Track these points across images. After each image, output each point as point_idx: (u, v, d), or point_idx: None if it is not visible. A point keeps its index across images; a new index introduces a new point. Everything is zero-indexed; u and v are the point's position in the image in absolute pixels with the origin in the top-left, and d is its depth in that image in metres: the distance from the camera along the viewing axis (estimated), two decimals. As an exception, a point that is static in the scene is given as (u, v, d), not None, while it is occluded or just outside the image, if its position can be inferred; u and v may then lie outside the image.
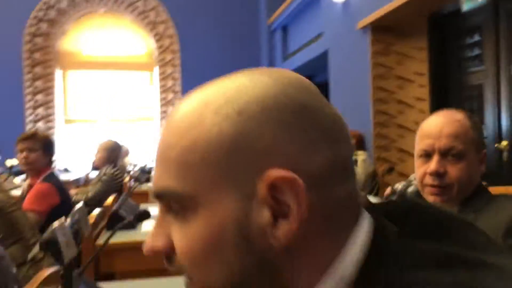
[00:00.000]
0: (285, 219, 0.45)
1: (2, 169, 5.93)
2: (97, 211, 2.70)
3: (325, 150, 0.47)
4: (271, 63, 9.34)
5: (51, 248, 1.02)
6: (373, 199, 3.53)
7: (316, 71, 8.34)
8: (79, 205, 1.43)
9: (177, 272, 0.49)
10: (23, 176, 5.28)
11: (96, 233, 2.44)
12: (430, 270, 0.42)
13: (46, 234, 1.05)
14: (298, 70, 8.32)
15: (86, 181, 6.32)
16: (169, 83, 9.30)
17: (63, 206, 2.87)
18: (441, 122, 1.30)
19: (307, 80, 0.52)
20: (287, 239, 0.44)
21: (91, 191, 4.06)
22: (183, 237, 0.47)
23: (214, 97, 0.48)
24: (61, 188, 3.03)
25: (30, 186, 3.02)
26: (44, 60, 8.79)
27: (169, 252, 0.49)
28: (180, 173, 0.47)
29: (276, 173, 0.44)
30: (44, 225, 2.72)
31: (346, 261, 0.46)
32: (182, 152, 0.47)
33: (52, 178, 2.98)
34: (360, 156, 4.89)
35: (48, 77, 8.84)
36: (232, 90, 0.48)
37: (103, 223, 2.71)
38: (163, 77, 9.28)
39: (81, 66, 9.18)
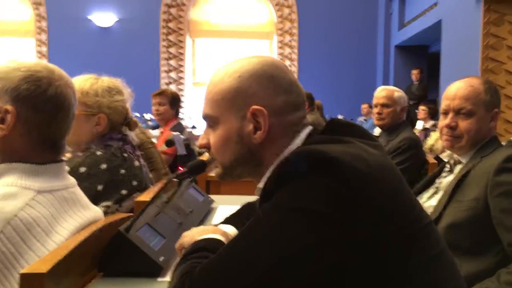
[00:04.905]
0: (259, 130, 0.92)
1: (141, 122, 7.05)
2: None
3: (282, 97, 0.94)
4: (387, 32, 9.37)
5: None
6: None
7: (430, 41, 8.25)
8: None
9: (211, 156, 1.02)
10: (157, 131, 6.28)
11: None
12: (318, 145, 0.86)
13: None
14: (413, 38, 8.31)
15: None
16: (286, 51, 9.84)
17: (187, 150, 3.59)
18: (458, 87, 1.65)
19: (280, 62, 1.02)
20: (260, 138, 0.93)
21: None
22: (213, 138, 0.97)
23: (230, 68, 0.97)
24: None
25: (162, 133, 3.81)
26: (177, 28, 9.86)
27: (208, 146, 0.99)
28: (212, 106, 0.96)
29: (255, 107, 0.91)
30: (171, 164, 3.47)
31: (292, 146, 0.94)
32: (213, 95, 0.96)
33: (178, 127, 3.72)
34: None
35: (180, 44, 9.91)
36: (238, 65, 0.96)
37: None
38: (281, 46, 9.85)
39: (208, 34, 10.10)
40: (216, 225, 1.16)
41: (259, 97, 0.93)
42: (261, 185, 0.95)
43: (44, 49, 9.68)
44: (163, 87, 9.51)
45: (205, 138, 1.00)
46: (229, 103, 0.94)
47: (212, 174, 2.86)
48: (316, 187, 0.79)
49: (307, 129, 0.97)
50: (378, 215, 0.80)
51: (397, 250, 0.82)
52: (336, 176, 0.79)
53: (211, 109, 0.97)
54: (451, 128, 1.64)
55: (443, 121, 1.69)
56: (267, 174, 0.94)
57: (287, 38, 9.85)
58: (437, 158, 3.10)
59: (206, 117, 0.99)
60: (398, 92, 3.03)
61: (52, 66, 1.15)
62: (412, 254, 0.84)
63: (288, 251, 0.77)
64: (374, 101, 3.05)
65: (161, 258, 1.13)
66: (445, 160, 1.86)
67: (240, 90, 0.94)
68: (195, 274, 0.79)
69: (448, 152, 3.17)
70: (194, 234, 1.02)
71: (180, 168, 2.91)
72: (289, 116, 0.95)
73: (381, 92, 3.03)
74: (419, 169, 2.82)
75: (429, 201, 1.72)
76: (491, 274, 1.41)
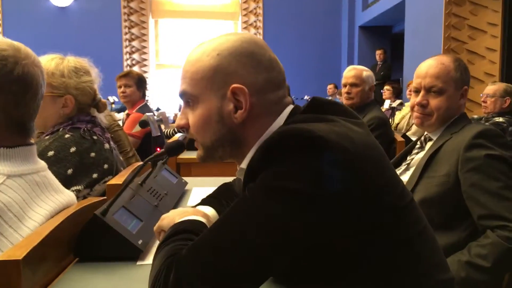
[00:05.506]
0: (240, 109, 0.89)
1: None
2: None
3: (263, 75, 0.91)
4: (351, 13, 9.41)
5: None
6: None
7: (394, 21, 8.35)
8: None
9: (190, 137, 0.99)
10: (122, 114, 6.14)
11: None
12: (302, 124, 0.84)
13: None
14: (376, 19, 8.38)
15: (175, 120, 7.13)
16: (251, 31, 9.76)
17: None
18: (428, 65, 1.67)
19: (259, 38, 0.98)
20: (241, 118, 0.90)
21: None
22: (192, 117, 0.94)
23: (208, 46, 0.93)
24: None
25: (128, 115, 3.73)
26: (139, 8, 9.61)
27: (186, 126, 0.96)
28: (191, 83, 0.92)
29: (235, 85, 0.88)
30: (138, 147, 3.41)
31: (274, 126, 0.92)
32: (191, 74, 0.92)
33: (144, 109, 3.64)
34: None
35: (142, 25, 9.67)
36: (216, 43, 0.93)
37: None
38: (246, 26, 9.76)
39: (171, 15, 9.90)
40: (194, 207, 1.14)
41: (239, 75, 0.90)
42: (243, 165, 0.93)
43: (-2, 30, 9.27)
44: (126, 69, 9.31)
45: (184, 118, 0.97)
46: (209, 82, 0.91)
47: (183, 156, 2.86)
48: (303, 167, 0.77)
49: (289, 108, 0.95)
50: (365, 193, 0.80)
51: (386, 227, 0.82)
52: (323, 155, 0.78)
53: (190, 87, 0.93)
54: (422, 106, 1.66)
55: (414, 99, 1.71)
56: (250, 154, 0.92)
57: (252, 18, 9.76)
58: (405, 136, 3.16)
59: (184, 93, 0.95)
60: (366, 72, 3.06)
61: (17, 44, 1.09)
62: (401, 229, 0.84)
63: (274, 231, 0.76)
64: (343, 81, 3.06)
65: (140, 241, 1.10)
66: (413, 139, 1.89)
67: (219, 69, 0.90)
68: (181, 256, 0.78)
69: (414, 130, 3.22)
70: (174, 216, 0.99)
71: (158, 149, 2.88)
72: (270, 95, 0.93)
73: (350, 72, 3.05)
74: (387, 147, 2.87)
75: (401, 177, 1.75)
76: (462, 247, 1.46)
